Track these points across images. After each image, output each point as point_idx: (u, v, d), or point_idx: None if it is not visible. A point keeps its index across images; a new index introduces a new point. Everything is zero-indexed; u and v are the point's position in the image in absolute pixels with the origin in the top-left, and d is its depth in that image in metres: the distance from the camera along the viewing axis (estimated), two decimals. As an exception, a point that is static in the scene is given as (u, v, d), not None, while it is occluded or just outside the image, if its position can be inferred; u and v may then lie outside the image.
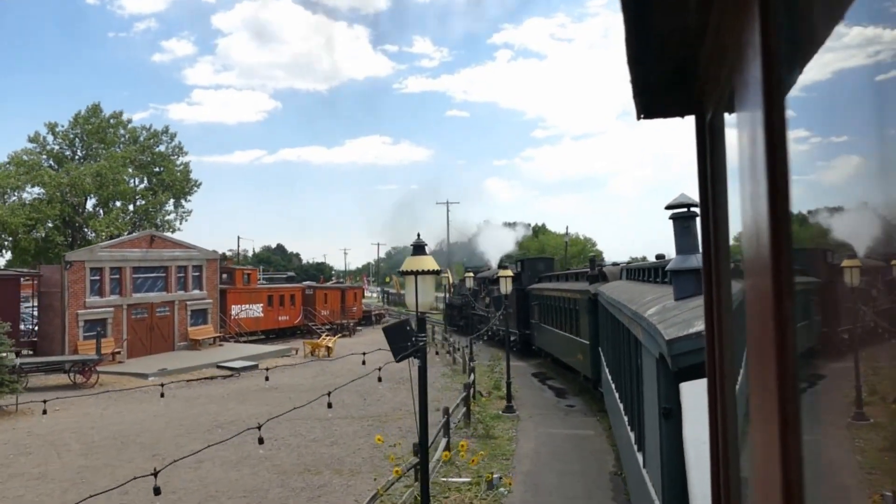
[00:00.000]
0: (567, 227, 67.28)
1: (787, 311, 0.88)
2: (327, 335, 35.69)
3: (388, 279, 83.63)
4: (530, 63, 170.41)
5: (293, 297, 44.82)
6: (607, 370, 15.04)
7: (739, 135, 1.12)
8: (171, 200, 48.82)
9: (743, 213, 1.12)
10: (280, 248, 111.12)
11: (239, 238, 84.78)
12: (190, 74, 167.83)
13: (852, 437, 0.87)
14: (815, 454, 0.93)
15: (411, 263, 7.40)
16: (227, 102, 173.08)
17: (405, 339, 6.86)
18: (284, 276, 56.46)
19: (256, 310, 40.37)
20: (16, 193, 42.25)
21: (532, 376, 26.62)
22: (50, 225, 42.96)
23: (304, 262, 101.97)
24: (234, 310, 38.25)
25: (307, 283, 54.51)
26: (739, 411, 1.54)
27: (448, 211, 57.13)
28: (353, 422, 17.29)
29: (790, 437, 0.88)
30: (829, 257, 0.94)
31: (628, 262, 22.19)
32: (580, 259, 46.94)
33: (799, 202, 0.91)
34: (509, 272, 18.96)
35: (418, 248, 7.53)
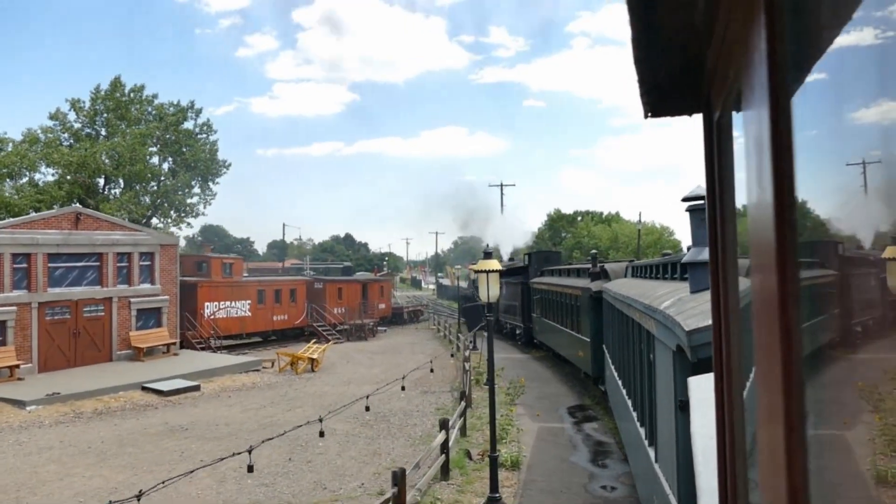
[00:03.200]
0: (640, 215, 64.20)
1: (792, 309, 0.89)
2: (315, 343, 28.61)
3: (453, 269, 77.93)
4: (608, 50, 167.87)
5: (293, 293, 37.15)
6: (612, 368, 14.98)
7: (746, 134, 1.13)
8: (197, 182, 44.27)
9: (749, 210, 1.13)
10: (348, 237, 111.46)
11: (283, 226, 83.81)
12: (272, 68, 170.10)
13: (859, 435, 0.88)
14: (821, 452, 0.94)
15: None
16: (306, 95, 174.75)
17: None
18: (341, 265, 52.60)
19: (241, 308, 33.22)
20: (28, 173, 38.42)
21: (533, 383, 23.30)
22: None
23: (373, 251, 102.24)
24: (208, 308, 31.13)
25: (361, 273, 49.26)
26: (746, 407, 1.55)
27: (502, 195, 51.94)
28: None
29: (795, 433, 0.89)
30: (833, 252, 0.95)
31: (631, 260, 21.98)
32: (656, 249, 45.02)
33: (803, 200, 0.91)
34: (495, 263, 18.28)
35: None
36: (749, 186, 1.11)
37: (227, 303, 32.50)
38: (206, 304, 31.19)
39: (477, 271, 11.39)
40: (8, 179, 37.30)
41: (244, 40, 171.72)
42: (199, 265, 32.98)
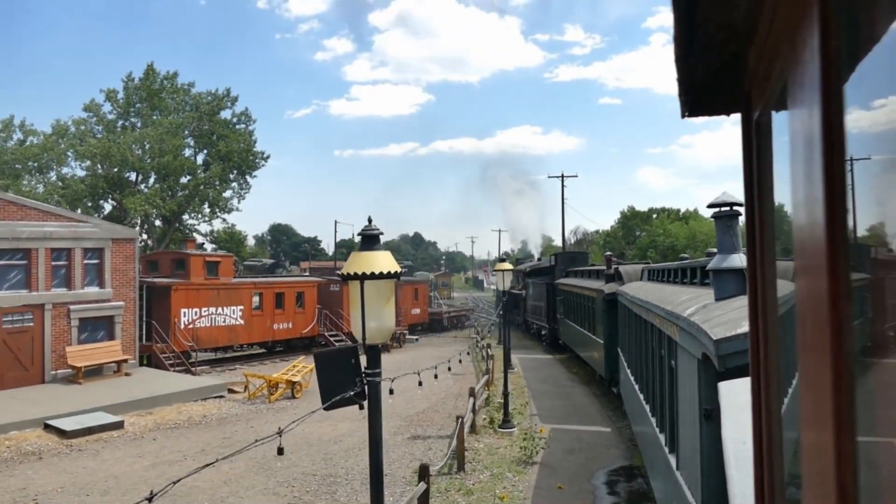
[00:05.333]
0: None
1: (843, 312, 0.87)
2: (303, 361, 22.47)
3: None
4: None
5: (301, 297, 31.71)
6: (628, 371, 14.86)
7: (793, 132, 1.11)
8: (234, 175, 41.52)
9: (795, 211, 1.11)
10: (417, 236, 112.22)
11: (335, 223, 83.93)
12: (349, 71, 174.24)
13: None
14: (872, 458, 0.92)
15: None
16: (382, 97, 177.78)
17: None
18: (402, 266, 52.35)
19: (231, 315, 28.04)
20: (55, 167, 36.43)
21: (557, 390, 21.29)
22: (89, 204, 37.18)
23: (442, 251, 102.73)
24: (186, 315, 26.17)
25: (420, 274, 45.67)
26: (786, 412, 1.52)
27: (563, 186, 47.07)
28: None
29: (845, 438, 0.87)
30: (885, 254, 0.92)
31: (646, 262, 21.87)
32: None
33: (857, 200, 0.89)
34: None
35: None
36: (795, 185, 1.09)
37: (212, 309, 27.24)
38: (183, 310, 26.07)
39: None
40: (36, 174, 35.75)
41: (322, 44, 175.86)
42: (177, 264, 27.55)
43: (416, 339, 38.19)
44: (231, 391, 21.48)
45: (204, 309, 26.97)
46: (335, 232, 75.11)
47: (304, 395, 20.74)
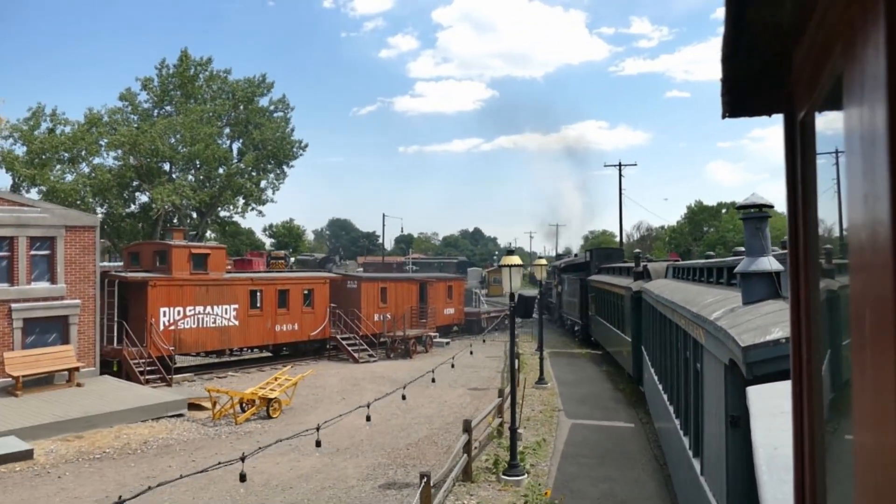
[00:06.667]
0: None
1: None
2: (286, 373, 19.90)
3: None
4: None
5: (309, 295, 28.16)
6: (652, 370, 14.73)
7: (849, 130, 1.09)
8: (271, 165, 39.57)
9: (851, 211, 1.09)
10: (477, 231, 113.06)
11: (383, 216, 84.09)
12: (413, 68, 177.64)
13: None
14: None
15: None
16: (446, 93, 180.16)
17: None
18: (455, 260, 48.88)
19: (223, 315, 24.69)
20: (86, 157, 34.73)
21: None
22: (124, 195, 35.78)
23: (502, 246, 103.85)
24: (166, 315, 22.93)
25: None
26: (829, 416, 1.50)
27: (621, 175, 44.64)
28: None
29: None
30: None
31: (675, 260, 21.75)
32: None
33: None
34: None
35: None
36: (852, 184, 1.07)
37: (199, 308, 23.96)
38: (163, 309, 22.90)
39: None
40: (67, 165, 34.45)
41: (386, 41, 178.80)
42: (158, 256, 23.99)
43: (447, 343, 33.70)
44: (198, 407, 17.97)
45: (189, 308, 23.66)
46: (383, 226, 74.94)
47: (284, 413, 17.39)
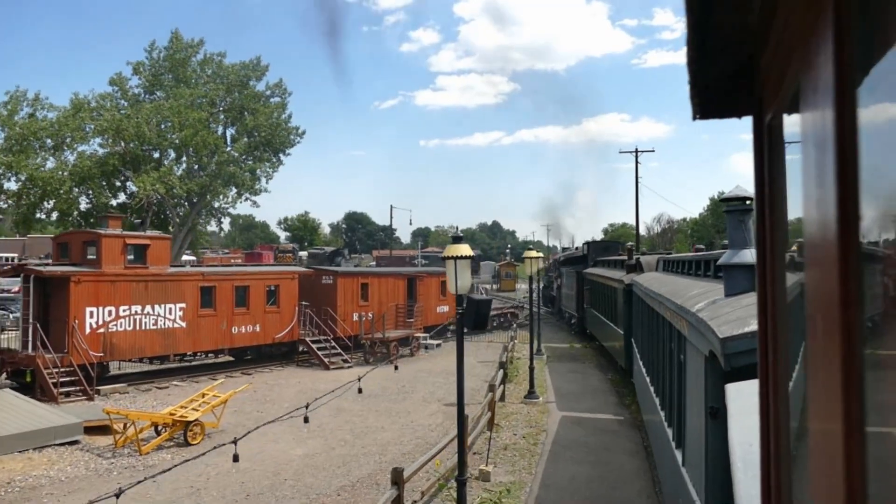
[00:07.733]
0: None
1: (853, 314, 0.88)
2: (216, 388, 15.73)
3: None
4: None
5: (273, 292, 24.69)
6: (640, 362, 14.90)
7: (805, 135, 1.12)
8: (267, 153, 37.68)
9: (806, 212, 1.12)
10: (495, 224, 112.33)
11: (391, 207, 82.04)
12: (434, 62, 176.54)
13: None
14: (882, 460, 0.93)
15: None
16: (468, 87, 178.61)
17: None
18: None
19: (166, 315, 21.23)
20: (71, 144, 32.98)
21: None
22: (104, 183, 34.09)
23: (521, 240, 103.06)
24: (94, 316, 19.53)
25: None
26: (793, 413, 1.53)
27: (637, 162, 42.06)
28: None
29: (854, 441, 0.88)
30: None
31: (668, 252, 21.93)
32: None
33: (867, 201, 0.90)
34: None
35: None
36: (807, 186, 1.10)
37: (136, 308, 20.56)
38: (90, 309, 19.46)
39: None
40: (50, 151, 32.76)
41: (408, 35, 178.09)
42: (87, 247, 20.52)
43: (438, 345, 29.74)
44: (108, 429, 14.07)
45: (123, 307, 20.24)
46: (391, 217, 71.75)
47: (209, 438, 13.98)
